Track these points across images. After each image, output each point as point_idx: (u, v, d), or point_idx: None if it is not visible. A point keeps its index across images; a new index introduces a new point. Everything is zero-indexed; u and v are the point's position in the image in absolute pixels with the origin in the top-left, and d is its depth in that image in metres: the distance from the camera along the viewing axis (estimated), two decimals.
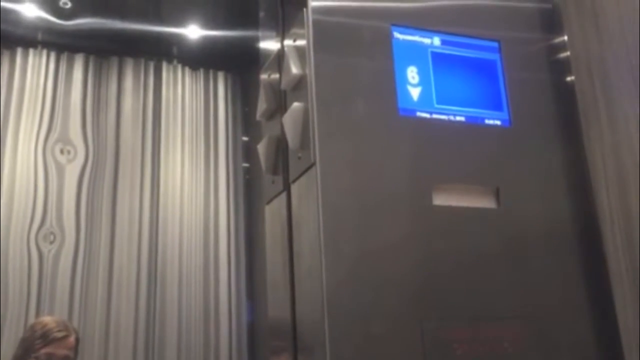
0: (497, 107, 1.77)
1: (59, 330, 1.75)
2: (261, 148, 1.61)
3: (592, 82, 1.75)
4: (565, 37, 1.87)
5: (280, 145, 1.62)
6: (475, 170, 1.61)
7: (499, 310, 1.41)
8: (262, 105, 1.71)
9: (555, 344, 1.43)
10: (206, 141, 2.64)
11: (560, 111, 1.81)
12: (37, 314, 2.15)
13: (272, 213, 1.49)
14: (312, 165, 1.34)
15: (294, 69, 1.54)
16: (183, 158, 2.58)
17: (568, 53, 1.85)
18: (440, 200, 1.45)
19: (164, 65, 2.98)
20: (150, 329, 2.28)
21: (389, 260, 1.24)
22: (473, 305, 1.37)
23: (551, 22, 1.91)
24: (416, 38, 1.72)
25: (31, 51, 2.81)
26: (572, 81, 1.84)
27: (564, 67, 1.87)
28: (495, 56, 1.82)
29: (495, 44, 1.83)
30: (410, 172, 1.45)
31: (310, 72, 1.48)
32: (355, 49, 1.57)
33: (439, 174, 1.51)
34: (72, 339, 1.78)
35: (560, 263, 1.58)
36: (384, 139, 1.48)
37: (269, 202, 1.55)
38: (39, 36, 2.87)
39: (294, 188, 1.43)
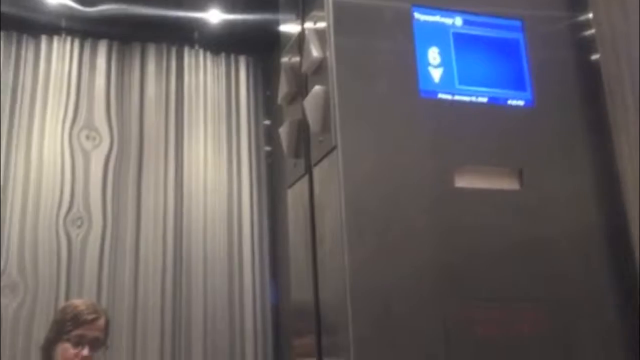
0: (520, 87, 1.75)
1: (89, 313, 1.79)
2: (283, 132, 1.62)
3: (618, 60, 1.71)
4: (590, 15, 1.83)
5: (301, 129, 1.63)
6: (498, 152, 1.60)
7: (521, 292, 1.41)
8: (283, 89, 1.72)
9: (575, 329, 1.42)
10: (228, 125, 2.66)
11: (585, 91, 1.78)
12: (67, 297, 2.20)
13: (295, 196, 1.50)
14: (334, 148, 1.35)
15: (315, 52, 1.54)
16: (206, 142, 2.60)
17: (593, 31, 1.82)
18: (463, 182, 1.45)
19: (186, 50, 3.00)
20: (176, 311, 2.33)
21: (410, 242, 1.24)
22: (494, 286, 1.37)
23: None
24: (437, 18, 1.70)
25: (55, 39, 2.85)
26: (597, 60, 1.80)
27: (589, 45, 1.83)
28: (518, 35, 1.79)
29: (518, 23, 1.80)
30: (432, 154, 1.45)
31: (331, 55, 1.48)
32: (376, 30, 1.56)
33: (461, 156, 1.50)
34: (102, 320, 1.82)
35: (583, 245, 1.56)
36: (405, 121, 1.48)
37: (291, 185, 1.57)
38: (63, 23, 2.90)
39: (316, 171, 1.44)
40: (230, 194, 2.51)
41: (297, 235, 1.36)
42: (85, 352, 1.74)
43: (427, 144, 1.45)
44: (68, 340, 1.75)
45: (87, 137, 2.45)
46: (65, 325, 1.78)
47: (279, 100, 1.72)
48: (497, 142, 1.61)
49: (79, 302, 1.89)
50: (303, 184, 1.48)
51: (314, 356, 1.10)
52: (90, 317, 1.79)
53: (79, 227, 2.30)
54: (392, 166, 1.35)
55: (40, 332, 2.05)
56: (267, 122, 2.95)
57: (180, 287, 2.33)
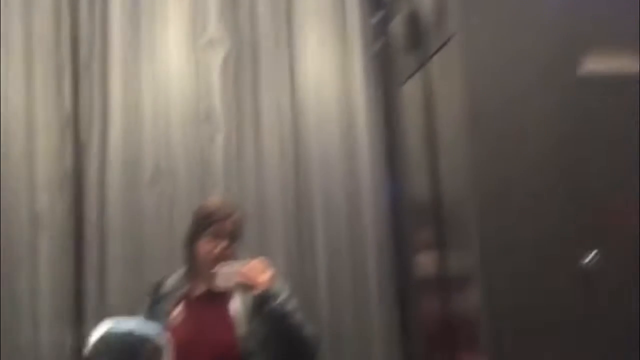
0: None
1: (224, 209, 1.90)
2: (395, 26, 1.57)
3: None
4: None
5: (415, 21, 1.57)
6: (629, 34, 1.44)
7: None
8: None
9: None
10: (338, 22, 2.61)
11: None
12: (201, 193, 2.33)
13: (410, 91, 1.47)
14: (452, 36, 1.28)
15: None
16: (318, 40, 2.56)
17: None
18: (588, 67, 1.34)
19: None
20: (298, 208, 2.41)
21: (532, 132, 1.19)
22: (620, 175, 1.28)
23: None
24: None
25: None
26: None
27: None
28: None
29: None
30: (556, 38, 1.34)
31: None
32: None
33: (586, 41, 1.38)
34: (235, 216, 1.92)
35: None
36: (527, 5, 1.37)
37: (406, 80, 1.53)
38: None
39: (433, 63, 1.39)
40: (343, 93, 2.50)
41: (414, 131, 1.34)
42: (223, 245, 1.86)
43: (550, 29, 1.35)
44: (206, 235, 1.89)
45: (206, 43, 2.50)
46: (203, 222, 1.91)
47: None
48: (628, 24, 1.45)
49: (214, 200, 2.00)
50: (419, 78, 1.44)
51: (436, 252, 1.11)
52: (225, 213, 1.90)
53: (207, 127, 2.39)
54: (513, 54, 1.28)
55: (179, 223, 2.21)
56: (378, 16, 2.84)
57: (299, 186, 2.40)
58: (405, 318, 2.34)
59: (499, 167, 1.10)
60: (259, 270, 1.75)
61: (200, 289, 1.91)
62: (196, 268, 1.94)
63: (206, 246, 1.89)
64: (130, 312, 2.11)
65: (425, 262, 1.19)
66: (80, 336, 1.89)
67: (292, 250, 2.36)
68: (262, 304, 1.75)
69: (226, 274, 1.75)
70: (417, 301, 2.20)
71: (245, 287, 1.75)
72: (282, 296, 1.76)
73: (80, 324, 2.17)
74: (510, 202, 1.07)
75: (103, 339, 1.74)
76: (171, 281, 1.98)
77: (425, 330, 1.14)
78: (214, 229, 1.89)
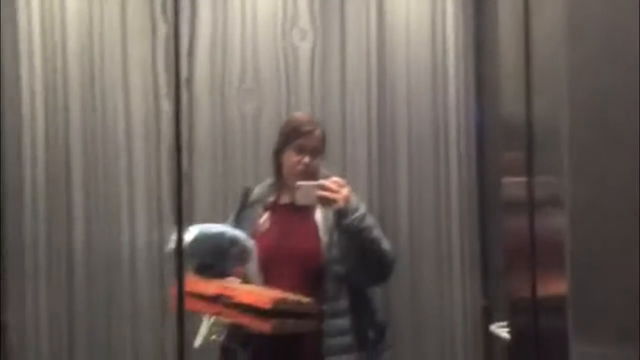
0: None
1: (308, 125, 1.93)
2: None
3: None
4: None
5: None
6: None
7: None
8: None
9: None
10: None
11: None
12: (288, 106, 2.36)
13: (504, 4, 1.39)
14: None
15: None
16: None
17: None
18: None
19: None
20: (381, 125, 2.39)
21: (636, 44, 1.10)
22: None
23: None
24: None
25: None
26: None
27: None
28: None
29: None
30: None
31: None
32: None
33: None
34: (318, 132, 1.95)
35: None
36: None
37: None
38: None
39: None
40: (433, 11, 2.40)
41: (509, 42, 1.28)
42: (307, 160, 1.91)
43: None
44: (291, 149, 1.93)
45: None
46: (288, 136, 1.95)
47: None
48: None
49: (299, 115, 2.03)
50: None
51: (524, 174, 1.08)
52: (309, 128, 1.92)
53: (293, 40, 2.39)
54: None
55: (265, 135, 2.27)
56: None
57: (384, 101, 2.37)
58: (486, 237, 2.34)
59: (597, 80, 1.02)
60: (337, 187, 1.79)
61: (285, 198, 1.97)
62: (282, 179, 2.01)
63: (290, 159, 1.94)
64: (217, 219, 2.24)
65: (512, 184, 1.16)
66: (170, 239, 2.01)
67: (374, 168, 2.37)
68: (340, 219, 1.79)
69: (306, 189, 1.80)
70: (500, 221, 2.19)
71: (324, 202, 1.79)
72: (360, 212, 1.80)
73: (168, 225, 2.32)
74: (606, 127, 1.01)
75: (195, 241, 1.86)
76: (259, 190, 2.06)
77: (507, 250, 1.14)
78: (297, 143, 1.92)
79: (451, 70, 2.38)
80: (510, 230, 1.13)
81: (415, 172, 2.37)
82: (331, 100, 2.38)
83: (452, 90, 2.38)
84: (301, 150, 1.92)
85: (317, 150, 1.95)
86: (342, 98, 2.39)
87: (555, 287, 0.94)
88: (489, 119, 2.34)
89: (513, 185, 1.14)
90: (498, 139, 2.19)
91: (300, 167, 1.92)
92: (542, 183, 1.02)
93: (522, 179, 1.07)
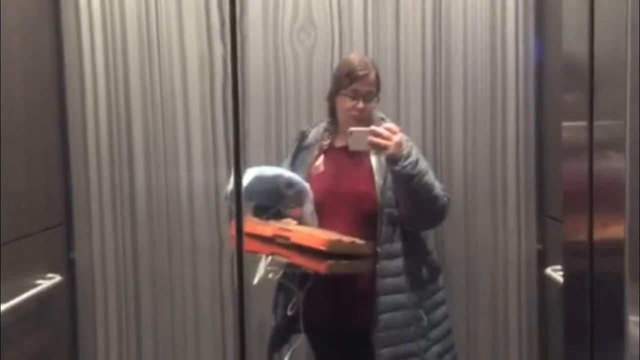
0: None
1: (362, 69, 1.90)
2: None
3: None
4: None
5: None
6: None
7: None
8: None
9: None
10: None
11: None
12: (340, 50, 2.33)
13: None
14: None
15: None
16: None
17: None
18: None
19: None
20: (436, 67, 2.33)
21: None
22: None
23: None
24: None
25: None
26: None
27: None
28: None
29: None
30: None
31: None
32: None
33: None
34: (372, 75, 1.93)
35: None
36: None
37: None
38: None
39: None
40: None
41: None
42: (360, 105, 1.89)
43: None
44: (345, 93, 1.92)
45: None
46: (341, 80, 1.93)
47: None
48: None
49: (352, 58, 1.99)
50: None
51: (585, 118, 1.06)
52: (362, 72, 1.90)
53: None
54: None
55: (317, 76, 2.26)
56: None
57: (439, 41, 2.31)
58: (542, 181, 2.30)
59: None
60: (389, 133, 1.78)
61: (340, 142, 1.98)
62: (337, 122, 2.01)
63: (344, 105, 1.93)
64: (270, 162, 2.27)
65: (571, 127, 1.14)
66: (227, 181, 2.05)
67: (428, 109, 2.33)
68: (391, 165, 1.79)
69: (358, 135, 1.80)
70: (557, 164, 2.14)
71: (376, 148, 1.79)
72: (411, 158, 1.79)
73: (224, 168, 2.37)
74: None
75: (252, 184, 1.90)
76: (314, 133, 2.08)
77: (564, 193, 1.13)
78: (351, 88, 1.91)
79: (510, 6, 2.30)
80: (569, 173, 1.11)
81: (471, 114, 2.32)
82: (385, 40, 2.34)
83: (510, 27, 2.30)
84: (355, 96, 1.91)
85: (371, 94, 1.93)
86: (396, 37, 2.34)
87: (612, 230, 0.94)
88: (549, 58, 2.27)
89: (573, 128, 1.12)
90: (558, 79, 2.12)
91: (354, 113, 1.92)
92: (602, 126, 0.99)
93: (583, 123, 1.04)
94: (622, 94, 0.92)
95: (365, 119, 1.92)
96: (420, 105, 2.33)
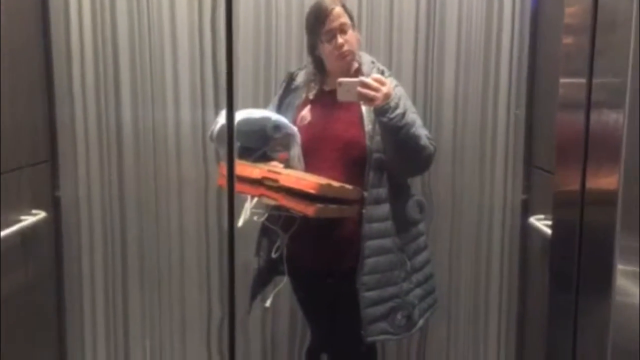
0: None
1: (324, 9, 1.78)
2: None
3: None
4: None
5: None
6: None
7: None
8: None
9: None
10: None
11: None
12: None
13: None
14: None
15: None
16: None
17: None
18: None
19: None
20: (430, 16, 2.27)
21: None
22: None
23: None
24: None
25: None
26: None
27: None
28: None
29: None
30: None
31: None
32: None
33: None
34: (337, 8, 1.76)
35: None
36: None
37: None
38: None
39: None
40: None
41: None
42: (339, 40, 1.84)
43: None
44: (322, 40, 1.87)
45: None
46: (313, 30, 1.87)
47: None
48: None
49: (313, 5, 1.88)
50: None
51: (583, 75, 1.04)
52: (326, 12, 1.83)
53: None
54: None
55: None
56: None
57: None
58: (532, 132, 2.31)
59: None
60: (378, 85, 1.75)
61: (330, 85, 1.96)
62: (324, 68, 1.98)
63: (325, 49, 1.90)
64: (258, 105, 2.23)
65: (566, 84, 1.13)
66: (214, 121, 2.02)
67: (420, 55, 2.30)
68: (379, 116, 1.78)
69: (347, 86, 1.78)
70: (547, 115, 2.14)
71: (365, 100, 1.77)
72: (399, 110, 1.76)
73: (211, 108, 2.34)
74: None
75: (239, 125, 1.87)
76: (302, 75, 2.04)
77: (557, 143, 1.13)
78: (324, 31, 1.87)
79: None
80: (563, 125, 1.11)
81: (463, 61, 2.30)
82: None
83: None
84: (331, 37, 1.87)
85: (344, 25, 1.88)
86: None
87: (604, 181, 0.94)
88: (544, 8, 2.23)
89: (570, 85, 1.11)
90: (552, 31, 2.09)
91: (336, 52, 1.89)
92: (602, 84, 0.99)
93: (581, 80, 1.03)
94: (622, 56, 0.91)
95: (350, 52, 1.90)
96: (413, 50, 2.29)
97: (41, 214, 2.13)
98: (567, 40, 1.15)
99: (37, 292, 2.22)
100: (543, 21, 2.23)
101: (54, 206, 2.32)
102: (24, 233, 2.02)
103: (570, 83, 1.12)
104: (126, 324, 2.46)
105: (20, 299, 2.04)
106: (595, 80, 1.00)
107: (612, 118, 0.93)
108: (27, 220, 2.04)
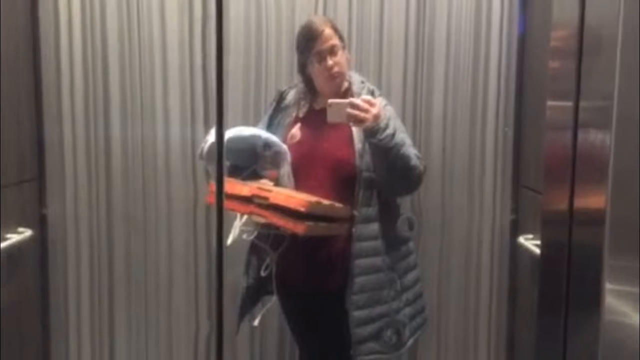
0: None
1: (314, 31, 1.79)
2: None
3: None
4: None
5: None
6: None
7: None
8: None
9: None
10: None
11: None
12: (325, 10, 2.28)
13: None
14: None
15: None
16: None
17: None
18: None
19: None
20: (419, 34, 2.30)
21: None
22: None
23: None
24: None
25: None
26: None
27: None
28: None
29: None
30: None
31: None
32: None
33: None
34: (327, 30, 1.76)
35: None
36: None
37: None
38: None
39: None
40: None
41: None
42: (329, 62, 1.86)
43: None
44: (312, 61, 1.89)
45: None
46: (303, 50, 1.89)
47: None
48: None
49: (302, 26, 1.94)
50: None
51: (570, 97, 1.06)
52: (315, 33, 1.84)
53: None
54: None
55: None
56: None
57: (423, 10, 2.27)
58: (520, 151, 2.32)
59: None
60: (367, 106, 1.76)
61: (320, 104, 1.96)
62: (315, 89, 1.99)
63: (315, 69, 1.91)
64: (248, 122, 2.23)
65: (553, 106, 1.15)
66: (204, 139, 2.02)
67: (409, 76, 2.32)
68: (369, 137, 1.78)
69: (337, 107, 1.78)
70: (535, 136, 2.16)
71: (354, 121, 1.78)
72: (389, 131, 1.77)
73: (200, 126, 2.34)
74: None
75: (229, 142, 1.87)
76: (293, 94, 2.05)
77: (545, 163, 1.14)
78: (314, 52, 1.88)
79: None
80: (551, 145, 1.12)
81: (452, 83, 2.32)
82: (369, 4, 2.30)
83: None
84: (321, 57, 1.89)
85: (334, 47, 1.90)
86: (380, 3, 2.31)
87: (592, 200, 0.95)
88: (532, 31, 2.26)
89: (557, 107, 1.12)
90: (540, 53, 2.11)
91: (326, 74, 1.90)
92: (588, 106, 1.00)
93: (568, 103, 1.04)
94: (609, 60, 0.92)
95: (340, 74, 1.91)
96: (402, 70, 2.31)
97: (27, 232, 2.11)
98: (554, 64, 1.16)
99: (23, 310, 2.19)
100: (530, 43, 2.26)
101: (41, 224, 2.30)
102: (10, 251, 2.00)
103: (557, 105, 1.13)
104: (112, 343, 2.43)
105: (5, 318, 2.01)
106: (582, 103, 1.02)
107: (599, 138, 0.94)
108: (14, 238, 2.02)
